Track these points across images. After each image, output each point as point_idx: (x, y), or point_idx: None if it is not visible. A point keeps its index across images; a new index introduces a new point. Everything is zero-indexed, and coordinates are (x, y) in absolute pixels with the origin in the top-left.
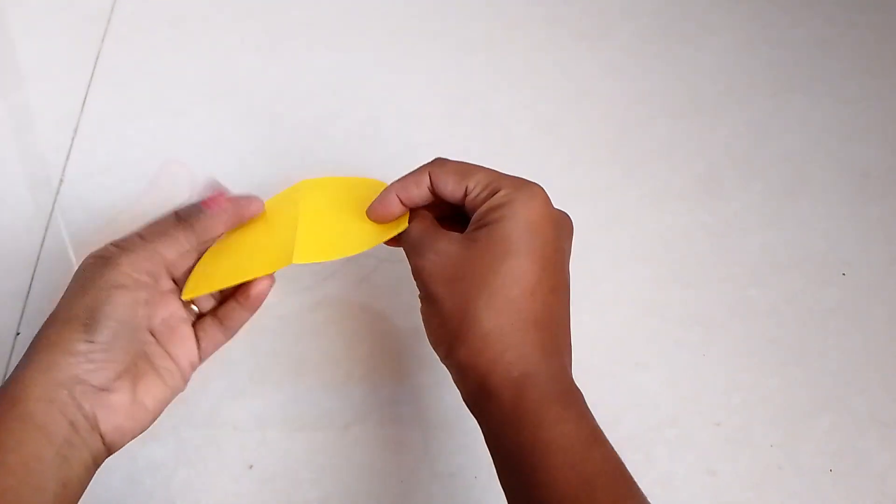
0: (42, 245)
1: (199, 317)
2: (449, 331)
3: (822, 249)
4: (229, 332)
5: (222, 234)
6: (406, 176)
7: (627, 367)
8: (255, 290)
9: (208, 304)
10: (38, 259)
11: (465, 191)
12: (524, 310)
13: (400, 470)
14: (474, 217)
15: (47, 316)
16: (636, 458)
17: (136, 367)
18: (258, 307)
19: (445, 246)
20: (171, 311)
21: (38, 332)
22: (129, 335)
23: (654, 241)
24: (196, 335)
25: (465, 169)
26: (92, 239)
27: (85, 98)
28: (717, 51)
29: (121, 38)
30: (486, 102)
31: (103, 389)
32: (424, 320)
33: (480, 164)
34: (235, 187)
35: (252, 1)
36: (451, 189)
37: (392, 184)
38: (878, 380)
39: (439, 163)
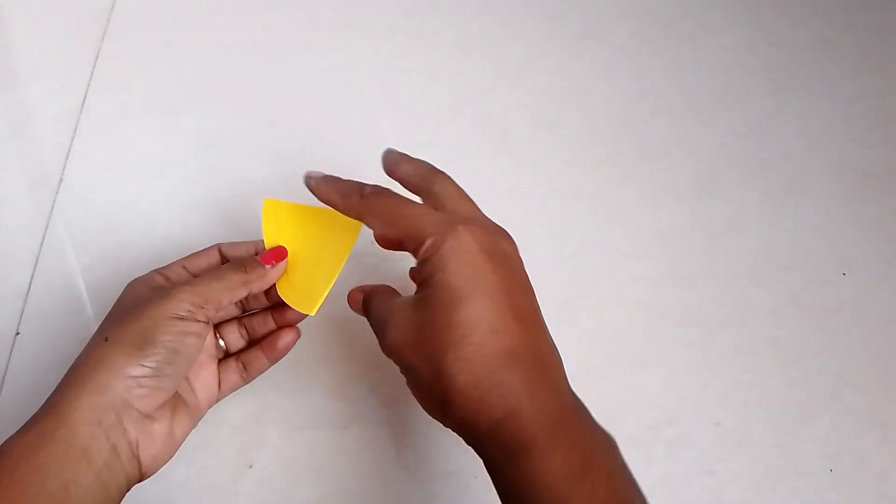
0: (42, 245)
1: (224, 357)
2: (435, 395)
3: (822, 249)
4: (249, 378)
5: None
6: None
7: (627, 367)
8: (282, 342)
9: (237, 345)
10: (37, 259)
11: (401, 243)
12: (492, 351)
13: (399, 470)
14: (418, 272)
15: (48, 316)
16: (636, 459)
17: (175, 397)
18: (281, 358)
19: (401, 315)
20: (205, 345)
21: (86, 351)
22: (179, 365)
23: (654, 241)
24: (219, 375)
25: (393, 217)
26: (92, 239)
27: (84, 97)
28: (717, 51)
29: (120, 37)
30: (486, 102)
31: (147, 417)
32: (413, 392)
33: (407, 199)
34: (235, 187)
35: (251, 1)
36: (389, 239)
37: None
38: (878, 380)
39: (376, 202)
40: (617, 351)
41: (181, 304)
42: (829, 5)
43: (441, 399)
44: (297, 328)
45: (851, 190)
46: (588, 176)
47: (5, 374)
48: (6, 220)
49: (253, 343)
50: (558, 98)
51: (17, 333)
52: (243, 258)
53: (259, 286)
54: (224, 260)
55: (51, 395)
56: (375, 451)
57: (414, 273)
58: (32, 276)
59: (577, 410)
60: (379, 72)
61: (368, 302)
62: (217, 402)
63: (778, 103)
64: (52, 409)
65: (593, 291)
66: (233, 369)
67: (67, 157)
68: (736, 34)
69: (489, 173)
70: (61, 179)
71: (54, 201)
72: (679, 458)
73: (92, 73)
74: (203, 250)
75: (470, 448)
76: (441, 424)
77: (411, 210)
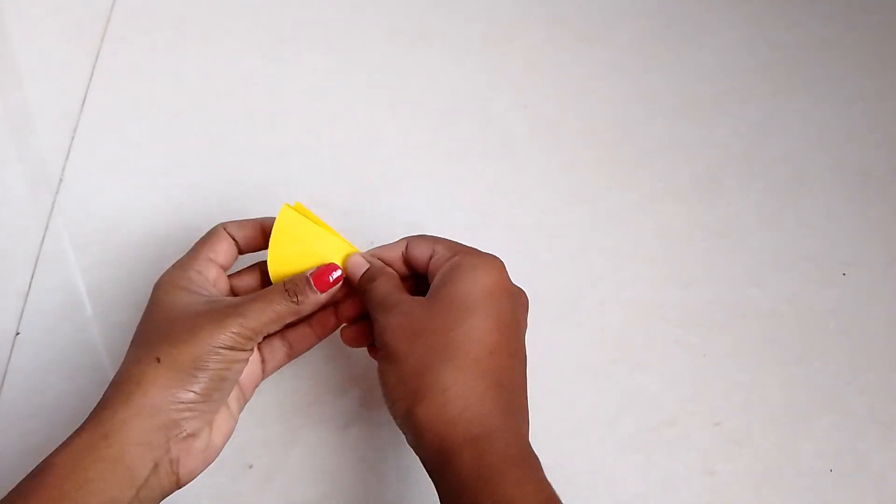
0: (41, 245)
1: (266, 337)
2: (409, 389)
3: (822, 249)
4: (294, 355)
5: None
6: (383, 245)
7: (627, 368)
8: (334, 319)
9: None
10: (37, 259)
11: (432, 253)
12: (485, 369)
13: (400, 470)
14: (436, 277)
15: (48, 316)
16: (636, 459)
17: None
18: (328, 335)
19: (409, 305)
20: None
21: (135, 367)
22: (226, 390)
23: (654, 241)
24: (262, 355)
25: (435, 238)
26: (92, 239)
27: (84, 98)
28: (717, 51)
29: (120, 38)
30: (486, 102)
31: (191, 435)
32: (382, 379)
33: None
34: (235, 187)
35: (252, 1)
36: (420, 251)
37: (368, 251)
38: (878, 380)
39: (415, 235)
40: (617, 351)
41: (235, 337)
42: (829, 5)
43: (414, 393)
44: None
45: (851, 190)
46: (588, 176)
47: (5, 374)
48: (6, 220)
49: (297, 324)
50: (558, 98)
51: (17, 333)
52: (294, 282)
53: (310, 311)
54: (237, 244)
55: (97, 409)
56: (375, 451)
57: (434, 267)
58: (32, 276)
59: (535, 456)
60: (379, 72)
61: (372, 279)
62: (263, 380)
63: (778, 103)
64: (102, 426)
65: (593, 291)
66: (278, 348)
67: (67, 158)
68: (736, 34)
69: (489, 174)
70: (61, 180)
71: (54, 202)
72: (679, 458)
73: (92, 74)
74: (213, 235)
75: None
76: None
77: (447, 240)
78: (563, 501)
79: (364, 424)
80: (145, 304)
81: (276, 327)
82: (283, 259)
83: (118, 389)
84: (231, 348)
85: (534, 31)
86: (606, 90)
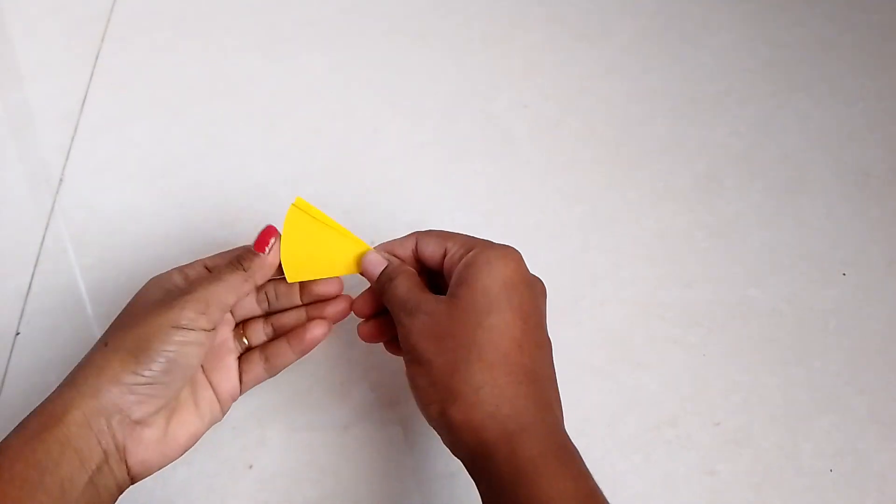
0: (42, 245)
1: (246, 351)
2: (440, 390)
3: (822, 249)
4: (273, 371)
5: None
6: (393, 240)
7: (628, 368)
8: (311, 334)
9: (259, 339)
10: (37, 259)
11: (445, 251)
12: (515, 363)
13: (400, 470)
14: (454, 276)
15: (49, 316)
16: (636, 459)
17: (176, 400)
18: (308, 351)
19: (433, 306)
20: (222, 341)
21: (88, 354)
22: (176, 374)
23: (654, 241)
24: (240, 368)
25: (445, 234)
26: (92, 239)
27: (85, 98)
28: (717, 51)
29: (120, 38)
30: (486, 102)
31: (139, 423)
32: (412, 383)
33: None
34: (235, 187)
35: (252, 1)
36: (432, 250)
37: (378, 245)
38: (878, 380)
39: (424, 231)
40: (617, 351)
41: (182, 312)
42: (829, 5)
43: (447, 394)
44: (327, 322)
45: (851, 190)
46: (588, 176)
47: (5, 374)
48: (6, 220)
49: (277, 338)
50: (558, 98)
51: (17, 333)
52: (237, 253)
53: (262, 276)
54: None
55: (50, 395)
56: (375, 451)
57: (450, 265)
58: (32, 276)
59: (574, 447)
60: (379, 72)
61: (391, 278)
62: (241, 395)
63: (778, 103)
64: (48, 408)
65: (593, 291)
66: (255, 362)
67: (68, 158)
68: (736, 34)
69: (489, 173)
70: (61, 180)
71: (54, 202)
72: (679, 458)
73: (92, 74)
74: (225, 252)
75: None
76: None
77: (459, 234)
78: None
79: (364, 424)
80: None
81: (231, 298)
82: (296, 261)
83: (69, 374)
84: (180, 327)
85: (534, 31)
86: (606, 90)
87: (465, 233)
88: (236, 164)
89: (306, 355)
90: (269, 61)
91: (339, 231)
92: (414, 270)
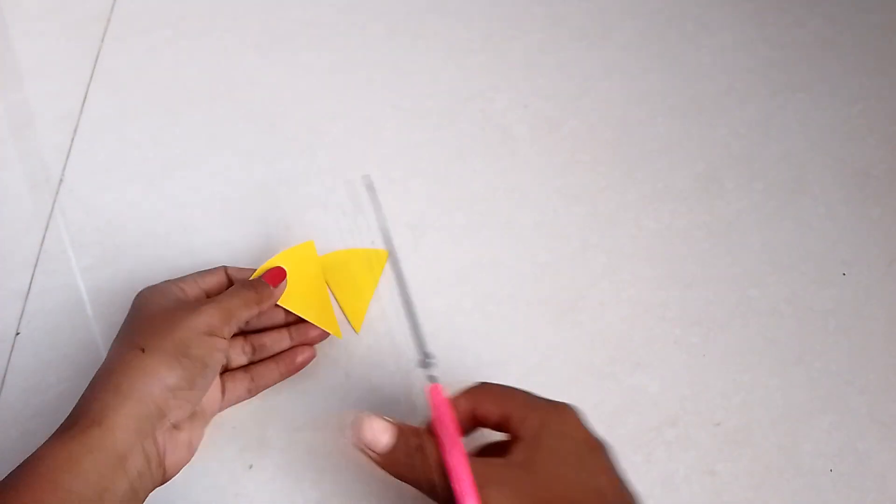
0: (42, 245)
1: (227, 370)
2: None
3: (822, 249)
4: (256, 391)
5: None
6: (455, 395)
7: (628, 368)
8: (301, 357)
9: (240, 360)
10: (37, 259)
11: (506, 415)
12: None
13: None
14: (523, 444)
15: (49, 316)
16: (636, 459)
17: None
18: (293, 374)
19: (505, 476)
20: None
21: (119, 358)
22: (207, 378)
23: (654, 241)
24: (223, 385)
25: (505, 393)
26: (92, 239)
27: (84, 98)
28: (717, 51)
29: (120, 38)
30: (487, 102)
31: (175, 427)
32: None
33: (517, 388)
34: (235, 188)
35: (251, 1)
36: (489, 410)
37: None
38: (878, 380)
39: (484, 387)
40: (617, 351)
41: (211, 319)
42: (829, 5)
43: None
44: (313, 348)
45: (851, 190)
46: (588, 176)
47: (5, 374)
48: (6, 220)
49: (263, 358)
50: (558, 98)
51: (17, 333)
52: (250, 280)
53: (267, 305)
54: (230, 281)
55: (85, 400)
56: None
57: (515, 429)
58: (32, 276)
59: None
60: (379, 72)
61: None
62: (220, 411)
63: (778, 103)
64: (94, 417)
65: (593, 291)
66: (240, 379)
67: (68, 158)
68: (736, 34)
69: (489, 173)
70: (61, 180)
71: (54, 202)
72: (679, 458)
73: (92, 74)
74: (211, 269)
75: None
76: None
77: (520, 392)
78: None
79: None
80: None
81: (244, 314)
82: (288, 288)
83: (104, 380)
84: (210, 333)
85: (534, 31)
86: (606, 90)
87: (465, 232)
88: (236, 165)
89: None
90: (269, 61)
91: (325, 299)
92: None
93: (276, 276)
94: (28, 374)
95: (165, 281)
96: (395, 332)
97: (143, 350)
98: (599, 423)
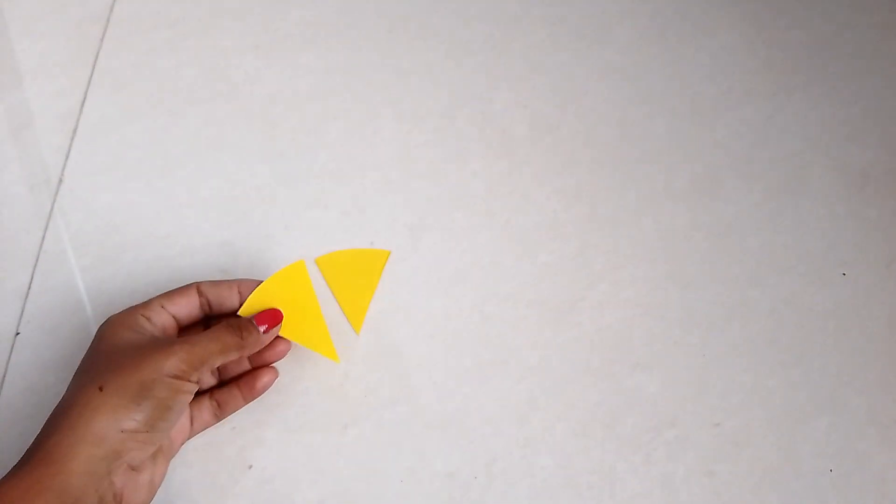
0: (41, 245)
1: (196, 396)
2: None
3: (821, 249)
4: (222, 416)
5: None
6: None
7: (627, 368)
8: (261, 382)
9: (209, 383)
10: (37, 259)
11: None
12: None
13: (400, 470)
14: None
15: (48, 316)
16: (636, 459)
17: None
18: (257, 398)
19: None
20: None
21: (77, 396)
22: (169, 421)
23: (654, 242)
24: (191, 413)
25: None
26: (91, 239)
27: (84, 98)
28: (716, 51)
29: (120, 38)
30: (486, 103)
31: (134, 469)
32: None
33: None
34: (235, 188)
35: (251, 2)
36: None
37: None
38: (878, 380)
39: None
40: (617, 352)
41: (179, 364)
42: (829, 5)
43: None
44: (275, 368)
45: (851, 190)
46: (588, 176)
47: (5, 374)
48: (6, 220)
49: (226, 382)
50: (558, 98)
51: (17, 333)
52: (239, 321)
53: (251, 351)
54: (202, 298)
55: (40, 438)
56: (375, 451)
57: None
58: (32, 276)
59: None
60: (379, 72)
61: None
62: (189, 439)
63: (778, 104)
64: (47, 456)
65: (593, 292)
66: (206, 407)
67: (67, 158)
68: (736, 34)
69: (489, 174)
70: (61, 180)
71: (54, 202)
72: (679, 458)
73: (92, 74)
74: (181, 288)
75: (470, 448)
76: (439, 421)
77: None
78: (563, 502)
79: (363, 425)
80: None
81: (220, 360)
82: (267, 298)
83: (61, 418)
84: (177, 377)
85: (534, 31)
86: (606, 90)
87: (465, 232)
88: (235, 165)
89: (308, 356)
90: (269, 61)
91: (320, 324)
92: None
93: (271, 319)
94: (28, 374)
95: (130, 308)
96: (395, 332)
97: (101, 388)
98: (599, 423)
